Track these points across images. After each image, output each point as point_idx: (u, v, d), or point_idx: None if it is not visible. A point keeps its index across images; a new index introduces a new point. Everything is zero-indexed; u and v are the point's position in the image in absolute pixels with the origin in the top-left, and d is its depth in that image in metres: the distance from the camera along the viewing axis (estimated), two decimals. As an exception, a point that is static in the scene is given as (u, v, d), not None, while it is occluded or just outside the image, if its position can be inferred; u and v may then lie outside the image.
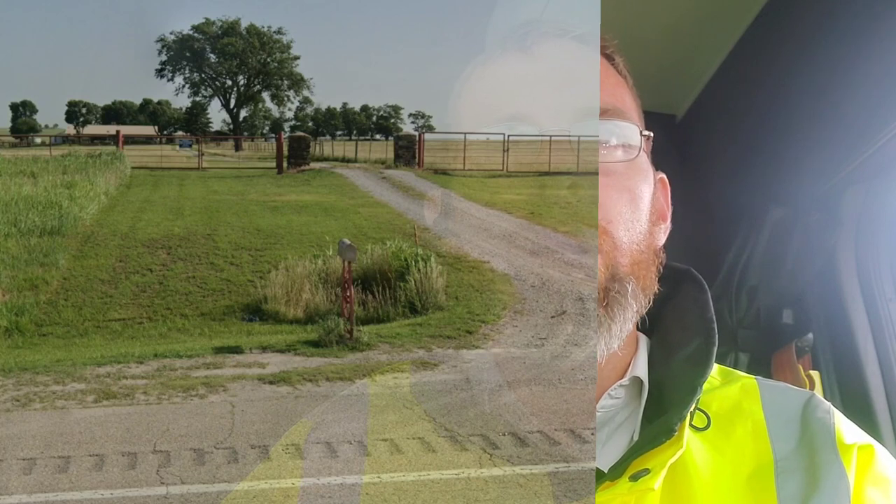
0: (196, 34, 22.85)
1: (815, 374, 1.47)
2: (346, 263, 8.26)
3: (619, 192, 0.85)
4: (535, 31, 0.87)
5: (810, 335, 1.51)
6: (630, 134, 0.87)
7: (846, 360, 1.44)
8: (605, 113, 0.86)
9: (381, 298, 8.34)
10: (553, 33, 0.87)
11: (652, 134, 0.91)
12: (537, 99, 0.87)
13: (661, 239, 0.93)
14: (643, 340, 0.96)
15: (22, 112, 24.90)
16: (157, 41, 22.39)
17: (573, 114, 0.85)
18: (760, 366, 1.59)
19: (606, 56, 0.91)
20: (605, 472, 0.85)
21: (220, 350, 7.23)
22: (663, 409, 0.87)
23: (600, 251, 0.83)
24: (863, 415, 1.38)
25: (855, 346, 1.42)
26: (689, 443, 0.85)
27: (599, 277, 0.83)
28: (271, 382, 6.29)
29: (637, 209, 0.86)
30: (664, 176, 0.96)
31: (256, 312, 8.53)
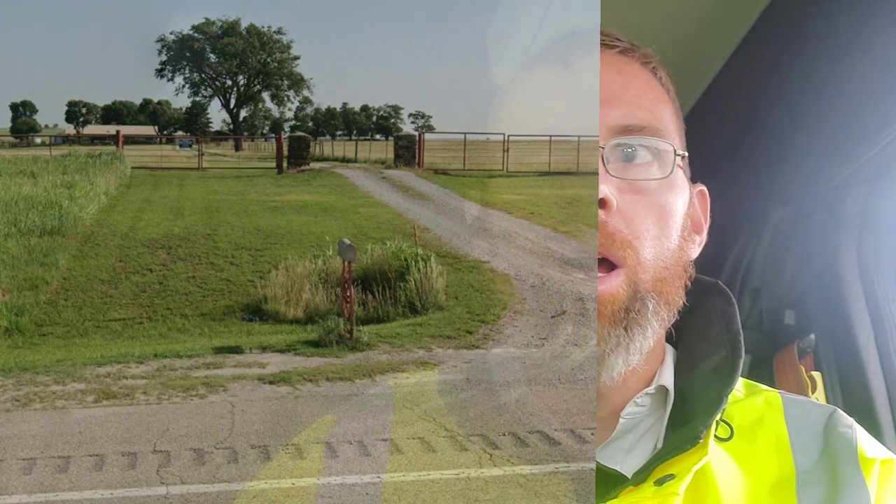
0: (196, 34, 22.87)
1: (816, 375, 1.47)
2: (346, 263, 8.26)
3: (648, 209, 0.85)
4: (578, 45, 0.88)
5: (812, 336, 1.51)
6: (664, 151, 0.87)
7: (848, 361, 1.44)
8: (642, 131, 0.86)
9: (381, 298, 8.34)
10: (594, 48, 0.87)
11: (686, 154, 0.91)
12: (576, 114, 0.88)
13: (694, 252, 0.93)
14: (670, 350, 0.96)
15: (22, 112, 24.92)
16: (157, 41, 22.42)
17: (611, 130, 0.85)
18: (762, 367, 1.59)
19: (651, 70, 0.92)
20: (629, 477, 0.85)
21: (220, 350, 7.23)
22: (688, 417, 0.88)
23: (624, 265, 0.83)
24: (865, 416, 1.38)
25: (857, 347, 1.42)
26: (713, 452, 0.86)
27: (620, 294, 0.83)
28: (271, 382, 6.29)
29: (666, 226, 0.87)
30: (704, 188, 0.96)
31: (256, 312, 8.53)
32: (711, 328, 0.95)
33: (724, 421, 0.89)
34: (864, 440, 0.90)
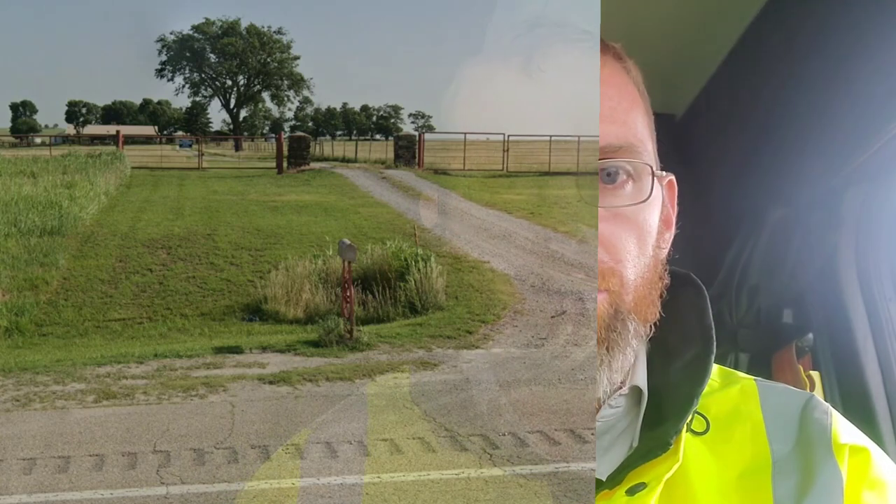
0: (196, 34, 22.88)
1: (815, 374, 1.47)
2: (346, 263, 8.26)
3: (629, 233, 0.83)
4: (541, 40, 0.84)
5: (810, 335, 1.51)
6: (641, 170, 0.84)
7: (846, 360, 1.44)
8: (618, 151, 0.82)
9: (381, 298, 8.34)
10: (558, 41, 0.84)
11: (668, 176, 0.88)
12: (539, 117, 0.85)
13: (666, 250, 0.92)
14: (642, 346, 0.94)
15: (22, 112, 24.93)
16: (157, 41, 22.44)
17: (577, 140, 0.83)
18: (760, 366, 1.59)
19: (623, 67, 0.88)
20: (604, 480, 0.85)
21: (220, 350, 7.23)
22: (662, 417, 0.87)
23: (608, 290, 0.82)
24: (863, 415, 1.38)
25: (855, 346, 1.42)
26: (688, 448, 0.85)
27: (602, 314, 0.82)
28: (271, 382, 6.29)
29: (644, 244, 0.85)
30: (672, 178, 0.93)
31: (256, 312, 8.53)
32: (683, 322, 0.93)
33: (699, 414, 0.89)
34: (839, 425, 0.89)
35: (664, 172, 0.92)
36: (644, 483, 0.81)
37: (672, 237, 0.93)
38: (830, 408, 0.91)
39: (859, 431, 0.91)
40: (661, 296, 0.89)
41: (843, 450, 0.86)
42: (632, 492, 0.81)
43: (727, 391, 0.93)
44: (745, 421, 0.89)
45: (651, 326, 0.88)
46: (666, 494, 0.83)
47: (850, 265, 1.44)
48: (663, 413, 0.87)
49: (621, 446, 0.89)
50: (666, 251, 0.92)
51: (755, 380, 0.95)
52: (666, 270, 0.91)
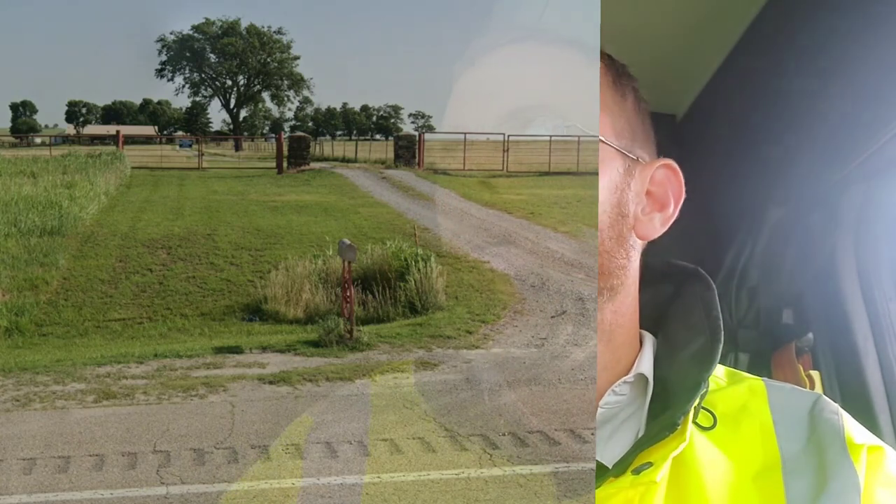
0: (196, 34, 22.92)
1: (815, 373, 1.47)
2: (346, 263, 8.26)
3: None
4: (481, 38, 0.86)
5: (810, 335, 1.51)
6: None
7: (846, 359, 1.44)
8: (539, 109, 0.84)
9: (381, 298, 8.34)
10: (556, 41, 0.85)
11: (663, 161, 0.88)
12: (485, 111, 0.87)
13: (652, 229, 0.90)
14: (649, 339, 0.95)
15: (22, 112, 24.95)
16: (157, 41, 22.49)
17: (503, 117, 0.84)
18: (760, 365, 1.59)
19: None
20: (610, 467, 0.85)
21: (220, 350, 7.24)
22: (668, 405, 0.87)
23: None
24: (863, 414, 1.38)
25: (855, 345, 1.42)
26: (695, 441, 0.85)
27: None
28: (271, 382, 6.30)
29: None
30: (670, 162, 0.92)
31: (256, 312, 8.53)
32: (691, 315, 0.94)
33: (706, 409, 0.89)
34: (851, 426, 0.89)
35: (661, 158, 0.92)
36: (650, 462, 0.82)
37: (669, 220, 0.91)
38: (840, 408, 0.91)
39: (869, 431, 0.90)
40: (622, 268, 0.87)
41: (859, 450, 0.86)
42: (637, 471, 0.82)
43: (735, 388, 0.93)
44: (752, 418, 0.90)
45: (612, 291, 0.87)
46: (673, 477, 0.83)
47: (850, 265, 1.44)
48: (669, 401, 0.87)
49: (625, 435, 0.89)
50: (653, 231, 0.90)
51: (763, 379, 0.95)
52: (635, 246, 0.90)
